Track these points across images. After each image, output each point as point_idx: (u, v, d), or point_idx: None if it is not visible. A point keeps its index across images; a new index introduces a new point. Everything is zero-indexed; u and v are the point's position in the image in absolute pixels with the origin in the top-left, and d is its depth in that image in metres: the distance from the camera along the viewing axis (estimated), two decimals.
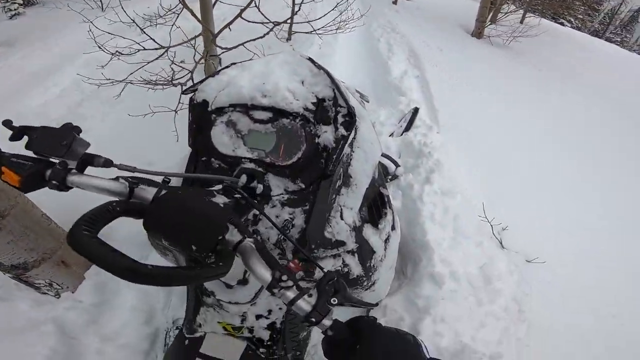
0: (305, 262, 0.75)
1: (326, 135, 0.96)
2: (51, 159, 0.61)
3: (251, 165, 0.93)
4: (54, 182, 0.57)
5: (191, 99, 1.03)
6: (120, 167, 0.61)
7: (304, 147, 0.93)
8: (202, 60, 2.50)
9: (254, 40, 2.44)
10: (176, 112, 2.09)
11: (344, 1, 2.92)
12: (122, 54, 2.56)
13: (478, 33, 6.78)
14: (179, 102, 2.15)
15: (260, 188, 0.89)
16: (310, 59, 1.10)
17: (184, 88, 1.09)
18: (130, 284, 1.67)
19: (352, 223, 1.04)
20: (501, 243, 1.92)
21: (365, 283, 1.12)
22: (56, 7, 6.55)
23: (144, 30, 2.52)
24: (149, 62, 2.74)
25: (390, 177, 2.23)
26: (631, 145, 3.41)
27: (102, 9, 5.59)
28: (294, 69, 1.07)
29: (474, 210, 2.03)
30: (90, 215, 0.48)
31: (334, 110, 0.99)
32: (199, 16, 2.75)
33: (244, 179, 0.87)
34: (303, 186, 0.94)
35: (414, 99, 2.98)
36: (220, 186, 0.75)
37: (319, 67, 1.06)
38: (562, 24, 11.70)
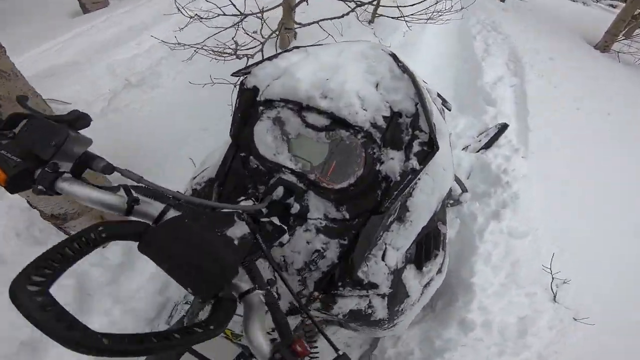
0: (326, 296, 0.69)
1: (392, 163, 0.75)
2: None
3: (292, 178, 0.77)
4: (39, 187, 0.47)
5: (241, 83, 0.88)
6: (124, 174, 0.47)
7: (360, 171, 0.74)
8: (276, 33, 2.37)
9: (333, 19, 2.24)
10: (235, 85, 2.01)
11: None
12: (201, 18, 2.57)
13: (604, 46, 5.64)
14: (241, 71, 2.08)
15: (296, 207, 0.74)
16: (393, 56, 0.88)
17: (235, 72, 0.94)
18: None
19: (393, 265, 0.84)
20: (555, 296, 1.68)
21: (386, 325, 0.92)
22: None
23: None
24: (225, 29, 2.73)
25: (452, 201, 1.90)
26: None
27: None
28: (371, 66, 0.87)
29: (538, 256, 1.75)
30: (48, 256, 0.37)
31: (410, 132, 0.77)
32: None
33: (280, 191, 0.73)
34: (347, 216, 0.77)
35: (504, 112, 2.51)
36: (244, 204, 0.61)
37: (404, 68, 0.83)
38: None
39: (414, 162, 0.74)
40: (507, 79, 2.95)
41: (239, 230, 0.50)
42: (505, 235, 1.76)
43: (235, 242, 0.48)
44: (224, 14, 2.61)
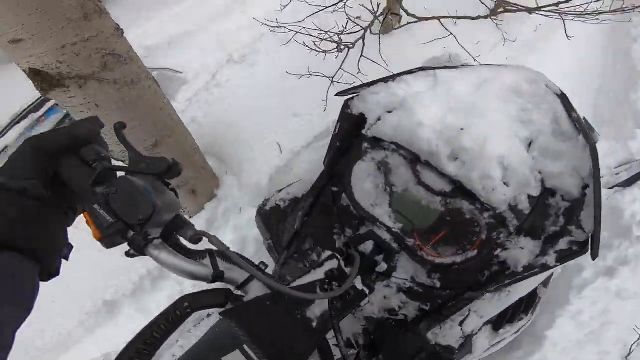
0: None
1: (519, 253, 0.59)
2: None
3: (386, 236, 0.66)
4: (132, 251, 0.47)
5: (346, 104, 0.77)
6: (213, 242, 0.48)
7: (472, 254, 0.60)
8: (379, 19, 2.17)
9: (459, 18, 1.92)
10: (332, 81, 1.91)
11: None
12: None
13: None
14: (340, 69, 1.96)
15: (383, 267, 0.64)
16: (563, 97, 0.67)
17: (339, 92, 0.83)
18: (233, 225, 1.65)
19: (469, 331, 0.70)
20: (629, 354, 1.48)
21: None
22: None
23: None
24: (326, 7, 2.61)
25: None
26: None
27: None
28: (526, 110, 0.66)
29: (634, 319, 1.51)
30: (137, 343, 0.40)
31: (562, 223, 0.58)
32: None
33: (369, 246, 0.64)
34: (438, 286, 0.65)
35: None
36: (328, 267, 0.55)
37: (577, 122, 0.62)
38: None
39: (550, 260, 0.56)
40: None
41: (318, 309, 0.47)
42: (612, 295, 1.54)
43: (314, 323, 0.46)
44: None
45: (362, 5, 2.24)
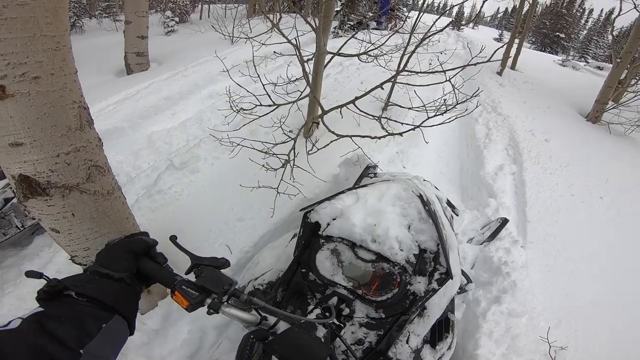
0: None
1: (419, 285, 1.06)
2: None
3: (344, 292, 1.08)
4: (211, 310, 0.76)
5: (305, 216, 1.19)
6: (253, 302, 0.80)
7: (395, 290, 1.04)
8: (302, 130, 2.71)
9: (355, 136, 2.55)
10: (278, 192, 2.29)
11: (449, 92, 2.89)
12: (245, 110, 2.93)
13: (595, 117, 6.06)
14: (281, 181, 2.35)
15: (346, 311, 1.05)
16: (420, 198, 1.20)
17: (302, 208, 1.24)
18: (191, 318, 1.87)
19: (414, 346, 1.12)
20: None
21: None
22: (199, 31, 7.80)
23: (271, 90, 2.85)
24: (259, 117, 3.09)
25: (459, 290, 2.15)
26: None
27: (232, 42, 6.43)
28: (404, 209, 1.18)
29: (536, 329, 1.99)
30: (243, 354, 0.69)
31: (433, 265, 1.08)
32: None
33: (335, 300, 1.05)
34: (383, 316, 1.07)
35: (505, 204, 2.81)
36: (316, 313, 0.94)
37: (429, 212, 1.15)
38: None
39: (434, 285, 1.04)
40: (508, 167, 3.28)
41: (321, 332, 0.80)
42: (506, 316, 2.00)
43: (322, 339, 0.77)
44: (261, 105, 2.99)
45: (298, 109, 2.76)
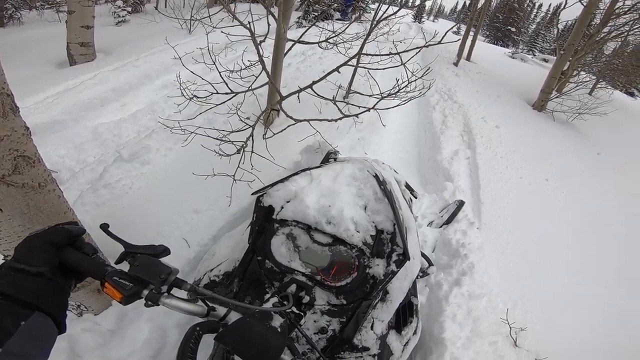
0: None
1: (377, 268, 1.03)
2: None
3: (302, 278, 1.03)
4: (149, 302, 0.69)
5: (258, 200, 1.12)
6: (198, 292, 0.74)
7: (354, 275, 1.02)
8: (262, 118, 2.63)
9: (312, 120, 2.52)
10: (234, 179, 2.20)
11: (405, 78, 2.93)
12: (198, 98, 2.78)
13: (540, 106, 6.53)
14: (237, 168, 2.26)
15: (306, 298, 1.01)
16: (376, 177, 1.18)
17: (254, 192, 1.17)
18: (149, 316, 1.73)
19: (380, 332, 1.11)
20: (515, 342, 1.95)
21: None
22: (154, 21, 7.30)
23: (225, 77, 2.72)
24: (217, 105, 2.96)
25: (421, 274, 2.20)
26: None
27: (190, 31, 6.10)
28: (360, 189, 1.15)
29: (495, 311, 2.05)
30: (186, 347, 0.64)
31: (390, 246, 1.05)
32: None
33: (293, 288, 1.00)
34: (345, 302, 1.03)
35: (461, 187, 2.93)
36: (273, 302, 0.88)
37: (384, 191, 1.13)
38: (632, 93, 10.95)
39: (393, 267, 1.02)
40: (462, 152, 3.43)
41: (277, 321, 0.75)
42: (467, 298, 2.05)
43: (279, 329, 0.73)
44: (217, 92, 2.86)
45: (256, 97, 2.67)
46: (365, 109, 2.20)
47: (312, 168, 1.23)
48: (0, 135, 1.04)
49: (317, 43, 3.03)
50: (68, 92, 3.84)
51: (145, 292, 0.69)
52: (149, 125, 3.16)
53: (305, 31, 3.16)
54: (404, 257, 1.02)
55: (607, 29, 6.96)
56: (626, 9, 6.61)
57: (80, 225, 0.78)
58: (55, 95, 3.81)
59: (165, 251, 0.77)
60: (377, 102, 2.28)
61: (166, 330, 1.81)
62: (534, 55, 15.19)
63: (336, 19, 9.93)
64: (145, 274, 0.70)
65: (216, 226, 2.23)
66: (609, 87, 8.64)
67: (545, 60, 13.03)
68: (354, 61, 3.46)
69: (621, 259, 2.94)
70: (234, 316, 0.75)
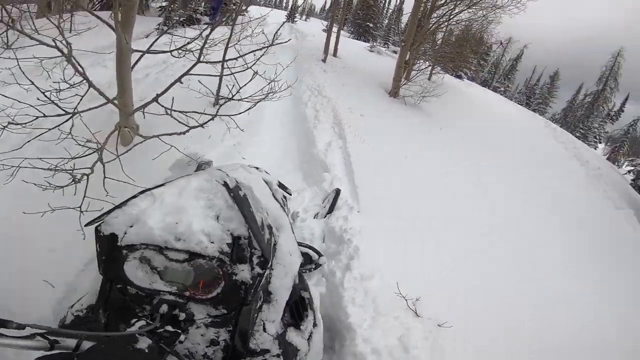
0: None
1: (243, 273, 1.03)
2: None
3: (171, 297, 0.99)
4: None
5: (97, 230, 1.01)
6: (33, 327, 0.68)
7: (222, 284, 1.00)
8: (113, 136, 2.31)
9: (172, 134, 2.34)
10: (81, 211, 1.88)
11: (274, 76, 2.98)
12: (17, 124, 2.24)
13: (394, 93, 7.62)
14: (84, 197, 1.94)
15: (182, 315, 0.98)
16: (226, 186, 1.16)
17: (88, 223, 1.06)
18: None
19: (275, 333, 1.12)
20: (416, 312, 2.10)
21: None
22: None
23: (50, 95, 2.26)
24: (49, 129, 2.44)
25: (314, 266, 2.31)
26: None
27: (7, 45, 4.79)
28: (210, 200, 1.12)
29: (390, 288, 2.18)
30: None
31: (249, 250, 1.05)
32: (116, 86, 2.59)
33: (164, 308, 0.96)
34: (225, 311, 1.02)
35: (338, 176, 3.19)
36: (139, 325, 0.84)
37: (235, 197, 1.13)
38: (460, 76, 13.80)
39: (257, 269, 1.03)
40: (335, 143, 3.74)
41: (144, 343, 0.72)
42: (360, 280, 2.16)
43: (146, 350, 0.70)
44: (45, 116, 2.35)
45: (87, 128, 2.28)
46: (210, 117, 2.16)
47: (153, 188, 1.15)
48: None
49: (169, 52, 2.80)
50: None
51: None
52: None
53: (156, 40, 2.89)
54: (264, 258, 1.05)
55: (433, 21, 8.48)
56: (442, 2, 8.09)
57: None
58: None
59: None
60: (220, 106, 2.24)
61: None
62: (388, 48, 17.51)
63: (204, 23, 9.36)
64: None
65: (79, 261, 1.96)
66: (441, 72, 10.63)
67: (395, 52, 15.19)
68: (218, 67, 3.35)
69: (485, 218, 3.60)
70: (88, 345, 0.70)
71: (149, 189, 1.11)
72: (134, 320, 0.91)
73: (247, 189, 1.29)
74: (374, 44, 17.02)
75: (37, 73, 2.47)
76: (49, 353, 0.69)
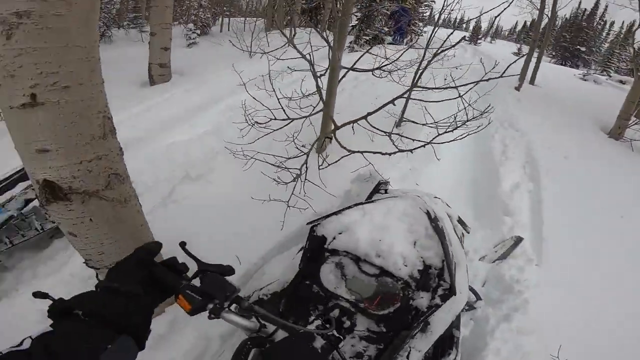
0: None
1: (421, 300, 1.06)
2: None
3: (346, 305, 1.09)
4: (212, 315, 0.77)
5: (312, 229, 1.21)
6: (254, 310, 0.81)
7: (397, 305, 1.05)
8: (314, 145, 2.75)
9: (366, 152, 2.56)
10: (288, 206, 2.33)
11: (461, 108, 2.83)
12: (260, 124, 2.99)
13: (617, 133, 5.88)
14: (292, 195, 2.38)
15: (347, 324, 1.06)
16: (428, 214, 1.20)
17: (309, 222, 1.25)
18: (196, 325, 1.84)
19: None
20: None
21: None
22: (219, 44, 8.04)
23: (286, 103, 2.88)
24: (274, 130, 3.14)
25: (467, 307, 2.10)
26: None
27: (250, 56, 6.58)
28: (411, 225, 1.19)
29: (547, 349, 1.90)
30: (238, 359, 0.73)
31: (437, 281, 1.07)
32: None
33: (336, 312, 1.06)
34: (384, 330, 1.06)
35: (521, 222, 2.74)
36: (316, 324, 0.95)
37: (435, 228, 1.15)
38: None
39: (437, 300, 1.03)
40: (524, 185, 3.20)
41: (319, 343, 0.80)
42: (515, 333, 1.95)
43: (320, 349, 0.78)
44: (275, 119, 3.05)
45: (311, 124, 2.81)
46: (420, 145, 2.21)
47: (365, 203, 1.30)
48: (99, 154, 1.18)
49: (371, 71, 3.11)
50: (148, 111, 4.36)
51: (210, 306, 0.76)
52: (214, 146, 3.46)
53: (359, 58, 3.27)
54: (450, 292, 1.04)
55: None
56: None
57: (158, 241, 0.90)
58: (137, 114, 4.35)
59: (231, 271, 0.86)
60: (434, 138, 2.27)
61: (210, 340, 1.93)
62: (609, 77, 13.82)
63: (388, 43, 10.04)
64: (214, 290, 0.78)
65: (266, 247, 2.36)
66: None
67: (622, 82, 11.77)
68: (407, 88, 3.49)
69: None
70: (280, 334, 0.83)
71: (361, 203, 1.27)
72: (311, 318, 1.03)
73: (441, 221, 1.29)
74: (589, 70, 13.78)
75: (276, 77, 3.15)
76: (254, 335, 0.81)
